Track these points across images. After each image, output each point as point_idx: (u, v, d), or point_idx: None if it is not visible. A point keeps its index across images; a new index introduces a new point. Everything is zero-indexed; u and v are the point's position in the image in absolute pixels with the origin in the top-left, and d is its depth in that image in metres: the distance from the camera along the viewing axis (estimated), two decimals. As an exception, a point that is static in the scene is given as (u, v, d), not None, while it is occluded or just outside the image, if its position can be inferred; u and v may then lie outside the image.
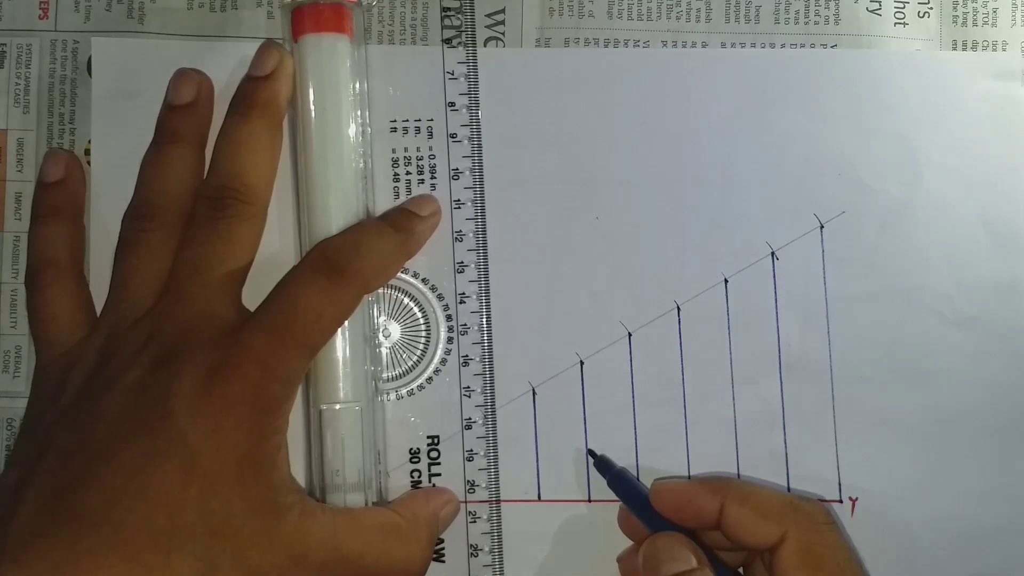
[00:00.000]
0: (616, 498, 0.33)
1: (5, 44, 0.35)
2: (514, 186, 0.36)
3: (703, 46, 0.37)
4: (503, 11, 0.36)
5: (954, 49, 0.37)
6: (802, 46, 0.37)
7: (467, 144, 0.35)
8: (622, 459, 0.35)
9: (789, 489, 0.35)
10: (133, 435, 0.28)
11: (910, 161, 0.36)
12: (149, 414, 0.28)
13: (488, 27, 0.36)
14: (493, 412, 0.35)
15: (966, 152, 0.36)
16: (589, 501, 0.35)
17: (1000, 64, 0.37)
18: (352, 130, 0.33)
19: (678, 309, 0.36)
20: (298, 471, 0.32)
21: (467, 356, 0.35)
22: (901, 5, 0.37)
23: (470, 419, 0.35)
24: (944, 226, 0.36)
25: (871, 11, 0.37)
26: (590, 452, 0.35)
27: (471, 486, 0.35)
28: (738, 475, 0.35)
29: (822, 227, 0.36)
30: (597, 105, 0.36)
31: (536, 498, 0.35)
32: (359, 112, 0.34)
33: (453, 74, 0.35)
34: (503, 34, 0.36)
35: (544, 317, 0.35)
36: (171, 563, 0.27)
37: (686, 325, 0.36)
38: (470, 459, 0.35)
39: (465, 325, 0.35)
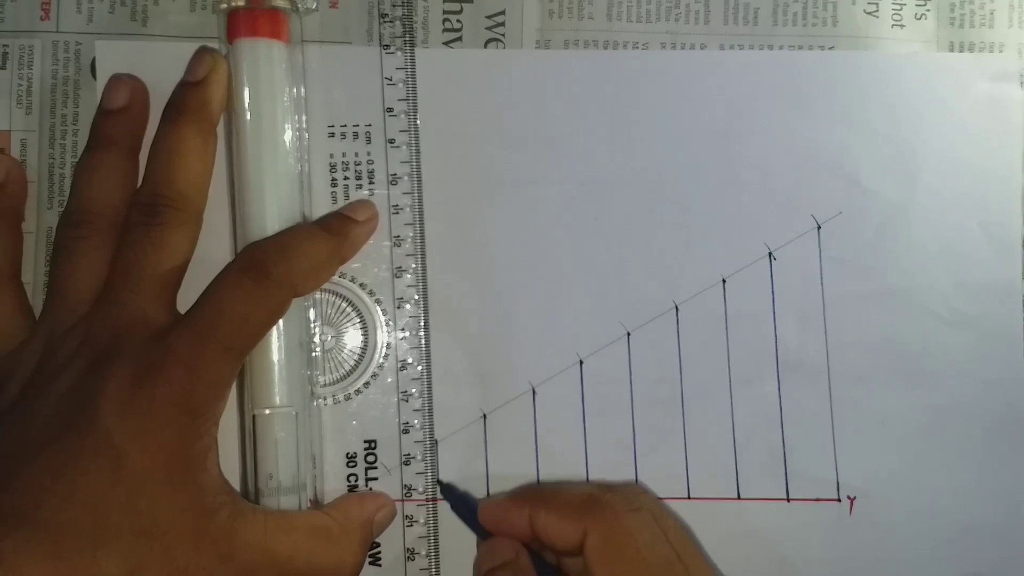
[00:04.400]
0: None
1: (7, 45, 0.35)
2: (513, 186, 0.36)
3: (702, 48, 0.37)
4: (503, 13, 0.36)
5: (951, 51, 0.37)
6: (800, 48, 0.37)
7: (406, 149, 0.35)
8: (621, 459, 0.35)
9: (788, 489, 0.36)
10: (61, 436, 0.28)
11: (907, 162, 0.37)
12: (77, 416, 0.28)
13: (488, 28, 0.36)
14: (431, 416, 0.35)
15: (963, 153, 0.37)
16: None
17: (997, 65, 0.37)
18: (288, 135, 0.33)
19: (676, 309, 0.36)
20: (233, 474, 0.32)
21: (405, 360, 0.35)
22: (898, 7, 0.37)
23: (408, 423, 0.35)
24: (941, 227, 0.36)
25: (868, 13, 0.37)
26: (438, 482, 0.35)
27: (408, 490, 0.35)
28: (736, 475, 0.36)
29: (819, 228, 0.36)
30: (597, 106, 0.36)
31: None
32: (296, 117, 0.34)
33: (392, 80, 0.35)
34: (503, 36, 0.36)
35: (544, 317, 0.36)
36: (97, 562, 0.27)
37: (684, 325, 0.36)
38: (407, 463, 0.35)
39: (403, 330, 0.35)
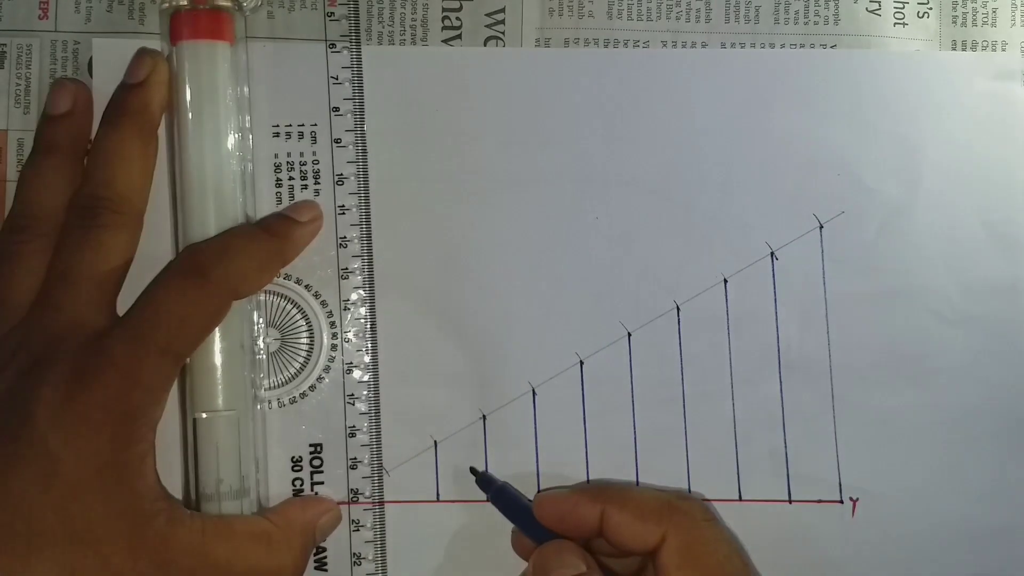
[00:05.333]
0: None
1: (5, 44, 0.35)
2: (514, 186, 0.36)
3: (703, 46, 0.37)
4: (503, 11, 0.36)
5: (953, 49, 0.37)
6: (802, 46, 0.37)
7: (352, 149, 0.35)
8: (622, 460, 0.35)
9: (790, 491, 0.35)
10: None
11: (909, 161, 0.36)
12: (12, 421, 0.28)
13: (488, 27, 0.36)
14: (378, 420, 0.35)
15: (965, 152, 0.36)
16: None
17: (999, 64, 0.37)
18: (231, 135, 0.33)
19: (678, 309, 0.36)
20: (176, 479, 0.32)
21: (351, 363, 0.35)
22: (900, 5, 0.37)
23: (354, 427, 0.34)
24: (943, 226, 0.36)
25: (871, 11, 0.37)
26: (472, 470, 0.34)
27: (354, 494, 0.34)
28: (737, 477, 0.35)
29: (821, 227, 0.36)
30: (597, 105, 0.36)
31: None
32: (240, 116, 0.33)
33: (338, 79, 0.35)
34: (503, 34, 0.36)
35: (544, 317, 0.35)
36: (31, 568, 0.27)
37: (686, 325, 0.36)
38: (354, 467, 0.34)
39: (349, 332, 0.35)
